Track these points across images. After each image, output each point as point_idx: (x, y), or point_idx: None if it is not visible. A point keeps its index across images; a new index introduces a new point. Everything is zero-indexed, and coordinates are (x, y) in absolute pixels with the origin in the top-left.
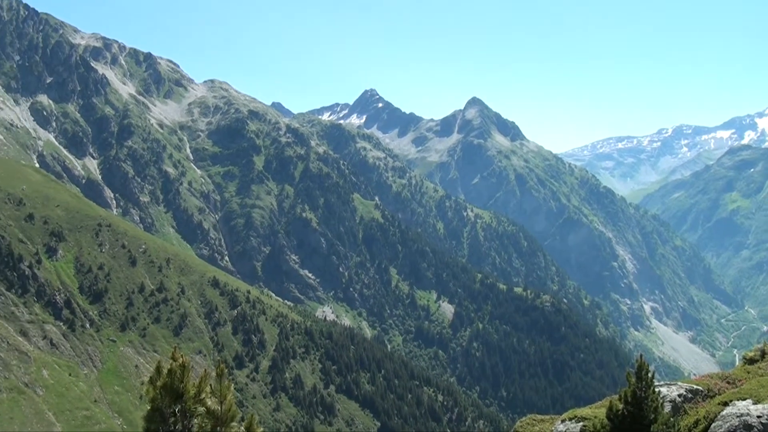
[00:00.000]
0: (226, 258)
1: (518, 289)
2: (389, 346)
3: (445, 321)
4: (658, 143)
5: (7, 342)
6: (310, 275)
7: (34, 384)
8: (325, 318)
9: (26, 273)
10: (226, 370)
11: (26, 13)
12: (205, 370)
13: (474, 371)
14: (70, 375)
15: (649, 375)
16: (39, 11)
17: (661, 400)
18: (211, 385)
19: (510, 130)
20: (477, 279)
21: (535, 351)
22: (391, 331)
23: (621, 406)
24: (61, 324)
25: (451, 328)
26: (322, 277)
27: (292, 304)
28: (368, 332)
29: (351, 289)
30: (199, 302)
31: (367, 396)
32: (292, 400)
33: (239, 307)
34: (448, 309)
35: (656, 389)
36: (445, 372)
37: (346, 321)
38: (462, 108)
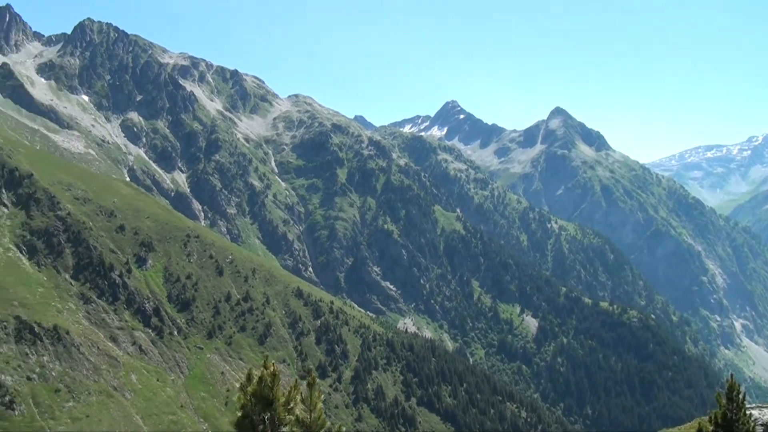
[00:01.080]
0: (310, 269)
1: (604, 304)
2: (471, 360)
3: (529, 335)
4: (749, 152)
5: (98, 347)
6: (391, 287)
7: (122, 388)
8: (407, 330)
9: (117, 282)
10: (317, 380)
11: (116, 35)
12: (297, 379)
13: (558, 387)
14: (157, 380)
15: (740, 396)
16: (128, 33)
17: (752, 424)
18: (301, 393)
19: (595, 140)
20: (561, 292)
21: (621, 368)
22: (473, 344)
23: (711, 428)
24: (150, 331)
25: (535, 343)
26: (404, 289)
27: (374, 316)
28: (450, 345)
29: (432, 301)
30: (284, 312)
31: (449, 409)
32: (374, 411)
33: (322, 318)
34: (531, 323)
35: (748, 412)
36: (528, 387)
37: (428, 333)
38: (545, 118)
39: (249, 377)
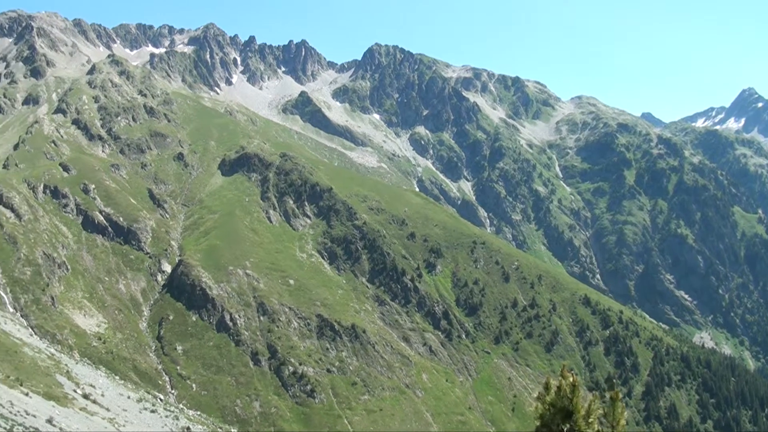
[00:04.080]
0: (598, 276)
1: None
2: None
3: None
4: None
5: (391, 346)
6: (686, 297)
7: (414, 386)
8: (703, 345)
9: (408, 286)
10: (620, 395)
11: (402, 56)
12: (594, 393)
13: None
14: (446, 381)
15: None
16: (413, 53)
17: None
18: (603, 408)
19: None
20: None
21: None
22: None
23: None
24: (440, 333)
25: None
26: (700, 300)
27: (666, 327)
28: (751, 364)
29: (732, 313)
30: (570, 320)
31: None
32: (666, 430)
33: (611, 328)
34: None
35: None
36: None
37: (726, 349)
38: None
39: (547, 386)
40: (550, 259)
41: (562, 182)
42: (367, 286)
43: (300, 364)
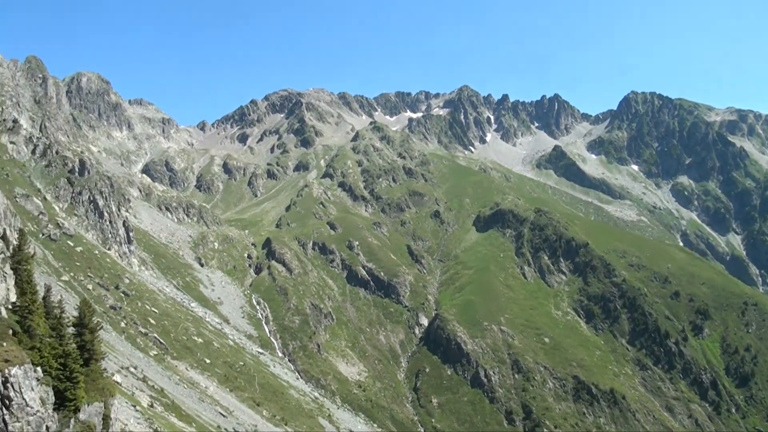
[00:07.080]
0: None
1: None
2: None
3: None
4: None
5: (653, 416)
6: None
7: None
8: None
9: (672, 350)
10: None
11: (660, 102)
12: None
13: None
14: None
15: None
16: (672, 98)
17: None
18: None
19: None
20: None
21: None
22: None
23: None
24: (707, 405)
25: None
26: None
27: None
28: None
29: None
30: None
31: None
32: None
33: None
34: None
35: None
36: None
37: None
38: None
39: None
40: None
41: None
42: (627, 349)
43: (555, 427)
